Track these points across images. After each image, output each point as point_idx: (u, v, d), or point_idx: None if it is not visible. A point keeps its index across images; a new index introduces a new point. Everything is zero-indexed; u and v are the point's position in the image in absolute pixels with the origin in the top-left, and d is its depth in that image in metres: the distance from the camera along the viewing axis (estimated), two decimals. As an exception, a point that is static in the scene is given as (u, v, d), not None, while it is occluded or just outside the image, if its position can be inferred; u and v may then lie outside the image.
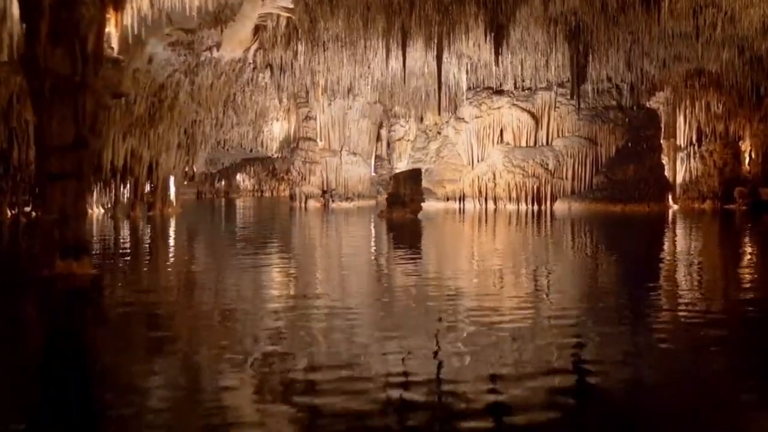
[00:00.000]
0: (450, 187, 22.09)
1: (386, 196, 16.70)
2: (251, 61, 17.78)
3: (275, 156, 25.71)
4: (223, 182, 37.92)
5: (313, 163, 23.27)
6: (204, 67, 15.12)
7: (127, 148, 15.03)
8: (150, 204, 17.29)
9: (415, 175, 16.23)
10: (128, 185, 16.02)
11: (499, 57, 13.88)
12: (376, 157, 32.48)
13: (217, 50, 14.67)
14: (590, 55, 14.90)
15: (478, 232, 12.77)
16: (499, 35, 12.70)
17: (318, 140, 23.72)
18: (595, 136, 20.56)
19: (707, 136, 21.18)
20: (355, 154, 24.10)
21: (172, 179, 18.06)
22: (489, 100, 21.31)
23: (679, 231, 13.06)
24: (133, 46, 12.20)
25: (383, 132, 31.69)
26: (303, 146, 23.17)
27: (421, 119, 26.42)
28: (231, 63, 16.88)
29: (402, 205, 15.75)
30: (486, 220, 15.85)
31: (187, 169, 18.70)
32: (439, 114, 19.85)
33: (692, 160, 21.34)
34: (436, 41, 13.81)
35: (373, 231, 13.01)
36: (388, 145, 31.10)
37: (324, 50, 15.67)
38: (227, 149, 22.25)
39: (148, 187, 17.28)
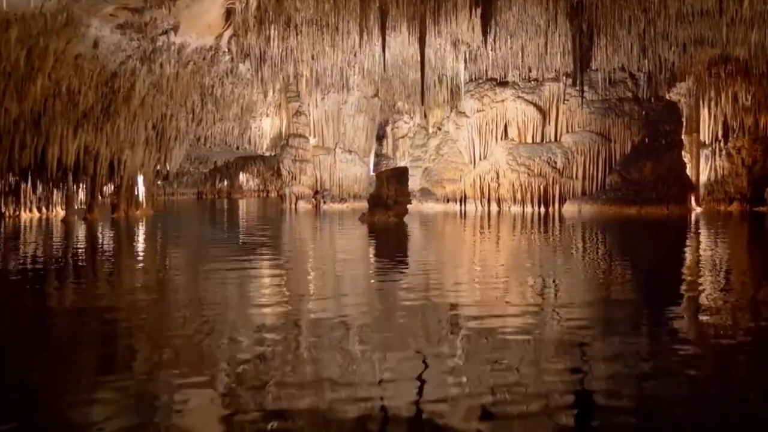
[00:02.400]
0: (450, 187, 20.35)
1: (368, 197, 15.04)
2: (226, 50, 16.30)
3: (266, 154, 24.12)
4: (225, 182, 36.58)
5: (303, 161, 21.70)
6: (162, 54, 13.60)
7: (80, 144, 13.58)
8: (114, 205, 15.87)
9: (399, 174, 14.53)
10: (84, 185, 14.55)
11: (488, 37, 12.10)
12: (382, 155, 30.90)
13: (175, 34, 13.15)
14: (596, 36, 13.03)
15: (470, 242, 10.84)
16: (486, 11, 10.94)
17: (311, 137, 22.16)
18: (609, 131, 18.62)
19: (734, 130, 19.13)
20: (350, 151, 22.48)
21: (140, 178, 16.60)
22: (492, 92, 19.51)
23: (704, 238, 11.12)
24: (65, 27, 10.72)
25: (388, 129, 30.26)
26: (293, 143, 21.61)
27: (425, 115, 24.77)
28: (200, 51, 15.41)
29: (385, 208, 14.08)
30: (485, 226, 14.02)
31: (159, 168, 17.17)
32: (423, 104, 18.10)
33: (717, 157, 19.31)
34: (418, 21, 12.06)
35: (345, 240, 11.37)
36: (393, 142, 29.64)
37: (297, 34, 14.04)
38: (209, 147, 20.76)
39: (112, 187, 15.92)
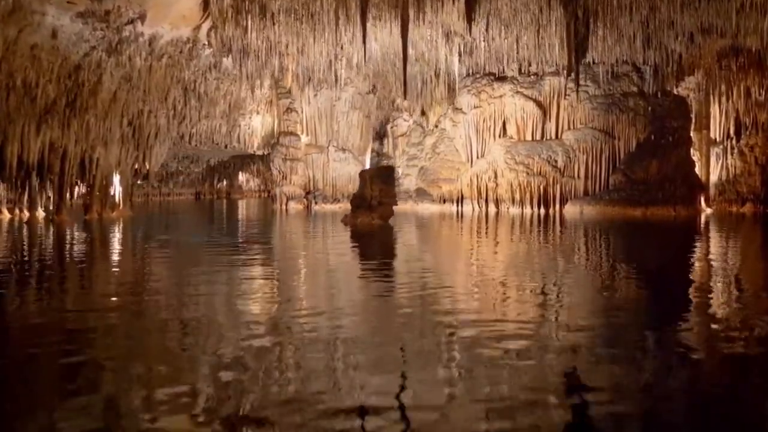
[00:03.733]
0: (446, 187, 19.38)
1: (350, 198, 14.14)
2: (205, 42, 15.48)
3: (258, 153, 23.28)
4: (224, 182, 35.79)
5: (294, 160, 20.85)
6: (130, 45, 12.78)
7: (44, 141, 12.81)
8: (86, 206, 15.10)
9: (384, 173, 13.63)
10: (52, 185, 13.76)
11: (473, 25, 11.13)
12: (383, 154, 29.98)
13: (142, 24, 12.33)
14: (593, 24, 12.01)
15: (461, 252, 9.83)
16: (470, -5, 10.00)
17: (302, 135, 21.31)
18: (612, 127, 17.56)
19: (747, 127, 18.00)
20: (344, 150, 21.60)
21: (117, 178, 15.82)
22: (489, 87, 18.52)
23: (718, 244, 10.08)
24: (12, 14, 9.92)
25: (389, 127, 29.41)
26: (284, 142, 20.77)
27: (423, 112, 23.83)
28: (176, 43, 14.61)
29: (368, 209, 13.18)
30: (480, 230, 13.02)
31: (137, 167, 16.38)
32: (405, 98, 17.16)
33: (729, 155, 18.20)
34: (400, 9, 11.15)
35: (317, 247, 10.54)
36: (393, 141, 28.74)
37: (274, 24, 13.19)
38: (196, 145, 19.96)
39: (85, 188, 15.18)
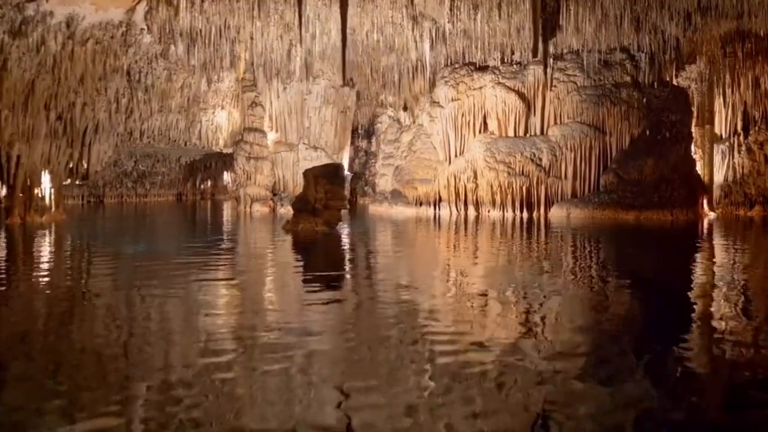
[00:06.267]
0: (422, 188, 17.62)
1: (292, 201, 12.44)
2: (143, 27, 13.89)
3: (225, 151, 21.63)
4: (208, 182, 34.21)
5: (260, 158, 19.18)
6: (37, 26, 11.18)
7: (-56, 136, 11.27)
8: (8, 210, 13.55)
9: (331, 172, 11.88)
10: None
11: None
12: (371, 153, 28.31)
13: (46, 1, 10.72)
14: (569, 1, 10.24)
15: (418, 264, 8.12)
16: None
17: (270, 132, 19.66)
18: (603, 122, 15.71)
19: (756, 122, 16.14)
20: (316, 148, 19.86)
21: (47, 178, 14.24)
22: (468, 78, 16.76)
23: (720, 256, 8.32)
24: None
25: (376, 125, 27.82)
26: (248, 139, 19.11)
27: (405, 107, 22.12)
28: (105, 26, 13.01)
29: (312, 214, 11.47)
30: (452, 239, 11.22)
31: (71, 166, 14.77)
32: (343, 84, 15.45)
33: (736, 153, 16.35)
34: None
35: (235, 267, 8.90)
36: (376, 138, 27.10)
37: (203, 1, 11.52)
38: (149, 142, 18.36)
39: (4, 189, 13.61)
